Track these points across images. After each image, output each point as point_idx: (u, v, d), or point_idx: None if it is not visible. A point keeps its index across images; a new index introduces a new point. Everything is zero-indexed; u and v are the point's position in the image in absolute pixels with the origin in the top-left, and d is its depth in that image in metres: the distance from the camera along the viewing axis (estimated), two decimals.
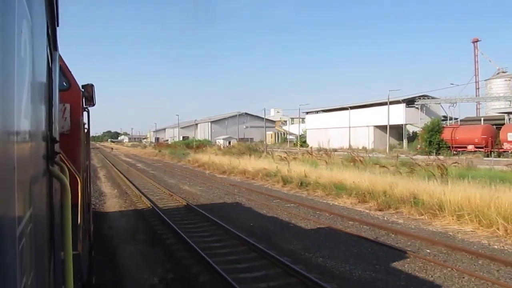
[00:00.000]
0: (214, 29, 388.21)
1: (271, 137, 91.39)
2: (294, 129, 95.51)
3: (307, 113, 79.94)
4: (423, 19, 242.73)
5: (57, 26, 2.39)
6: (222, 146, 59.28)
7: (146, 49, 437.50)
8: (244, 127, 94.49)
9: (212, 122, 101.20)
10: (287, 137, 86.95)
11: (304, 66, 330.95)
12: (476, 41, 78.90)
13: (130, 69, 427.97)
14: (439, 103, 59.10)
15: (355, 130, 65.80)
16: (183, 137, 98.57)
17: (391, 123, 58.41)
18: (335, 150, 42.59)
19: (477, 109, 70.17)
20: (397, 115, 57.83)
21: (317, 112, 79.62)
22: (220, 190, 19.11)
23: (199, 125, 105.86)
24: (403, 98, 58.07)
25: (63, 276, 2.00)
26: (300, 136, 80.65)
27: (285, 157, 28.18)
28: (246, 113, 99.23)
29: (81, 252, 3.76)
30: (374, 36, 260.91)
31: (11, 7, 0.92)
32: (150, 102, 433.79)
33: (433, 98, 59.74)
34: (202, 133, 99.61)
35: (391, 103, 58.26)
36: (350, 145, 61.05)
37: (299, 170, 20.69)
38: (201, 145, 62.23)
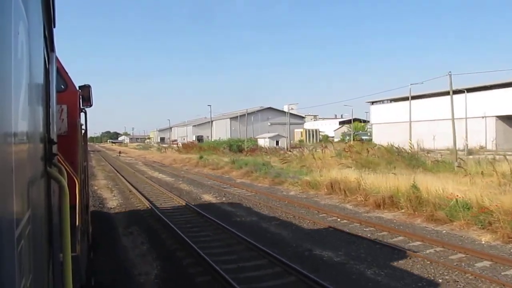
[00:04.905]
0: (214, 25, 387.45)
1: (301, 135, 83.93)
2: (312, 126, 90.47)
3: (372, 103, 66.83)
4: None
5: (54, 27, 2.39)
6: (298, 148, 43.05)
7: (144, 47, 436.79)
8: (269, 123, 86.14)
9: (231, 118, 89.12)
10: (324, 136, 76.92)
11: (302, 64, 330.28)
12: None
13: (128, 67, 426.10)
14: None
15: (460, 122, 46.72)
16: (195, 136, 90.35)
17: None
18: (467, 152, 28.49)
19: None
20: None
21: (390, 101, 64.89)
22: None
23: (214, 122, 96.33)
24: None
25: (62, 277, 2.01)
26: (354, 133, 71.77)
27: None
28: (270, 108, 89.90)
29: (80, 253, 3.76)
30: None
31: (7, 9, 0.92)
32: (150, 100, 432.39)
33: None
34: (220, 131, 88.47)
35: None
36: (466, 144, 44.19)
37: None
38: (254, 148, 48.89)
